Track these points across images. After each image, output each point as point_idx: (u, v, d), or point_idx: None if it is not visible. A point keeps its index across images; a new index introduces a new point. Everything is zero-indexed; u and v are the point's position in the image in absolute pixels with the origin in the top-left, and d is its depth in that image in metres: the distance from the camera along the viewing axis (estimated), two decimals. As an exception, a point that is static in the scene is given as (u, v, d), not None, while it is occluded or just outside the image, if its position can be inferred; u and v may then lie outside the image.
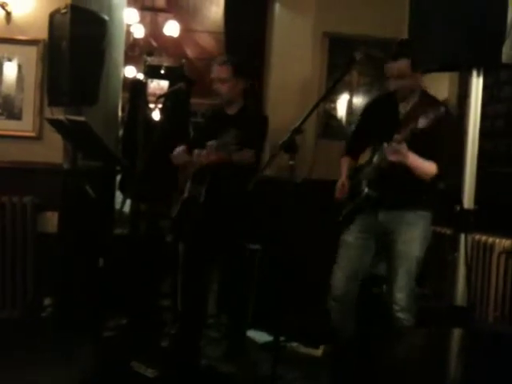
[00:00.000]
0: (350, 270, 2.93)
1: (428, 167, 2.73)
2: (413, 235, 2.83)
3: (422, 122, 2.48)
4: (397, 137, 2.61)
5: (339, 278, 2.94)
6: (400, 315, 2.78)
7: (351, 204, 2.92)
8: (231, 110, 3.31)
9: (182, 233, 3.34)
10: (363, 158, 3.07)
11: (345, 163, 3.11)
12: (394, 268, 2.83)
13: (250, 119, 3.22)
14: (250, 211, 3.37)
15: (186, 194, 3.20)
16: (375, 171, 2.81)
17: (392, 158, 2.62)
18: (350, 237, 2.95)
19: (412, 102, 2.87)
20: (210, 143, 2.98)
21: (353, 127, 3.26)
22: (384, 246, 2.91)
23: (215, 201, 3.15)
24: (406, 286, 2.80)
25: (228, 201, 3.17)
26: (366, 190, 2.82)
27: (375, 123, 2.98)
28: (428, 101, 2.87)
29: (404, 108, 2.88)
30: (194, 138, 3.47)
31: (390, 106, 2.94)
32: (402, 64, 2.73)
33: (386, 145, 2.63)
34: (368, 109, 3.19)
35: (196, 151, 3.17)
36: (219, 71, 3.22)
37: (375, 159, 2.81)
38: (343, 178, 3.01)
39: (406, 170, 2.72)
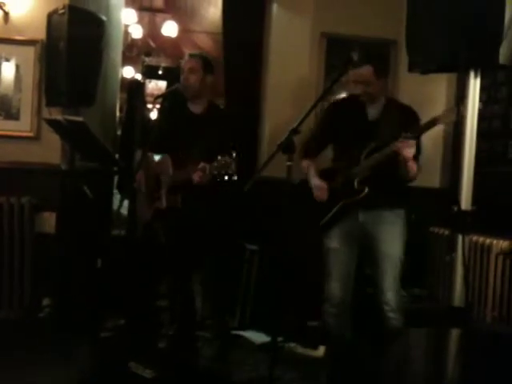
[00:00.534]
0: (343, 277, 2.93)
1: (415, 168, 2.78)
2: (394, 234, 2.86)
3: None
4: (408, 134, 2.63)
5: (334, 286, 2.94)
6: (391, 315, 2.80)
7: (340, 204, 2.89)
8: (197, 108, 3.32)
9: (167, 240, 3.35)
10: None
11: (310, 165, 3.05)
12: (380, 268, 2.85)
13: (219, 120, 3.25)
14: (230, 212, 3.40)
15: (164, 204, 3.21)
16: (369, 170, 2.81)
17: (406, 153, 2.63)
18: (334, 243, 2.94)
19: (380, 106, 2.90)
20: (203, 166, 2.91)
21: (313, 128, 3.23)
22: (366, 245, 2.92)
23: (193, 205, 3.15)
24: (394, 285, 2.83)
25: (206, 204, 3.18)
26: (367, 189, 2.80)
27: (341, 125, 2.97)
28: (396, 104, 2.94)
29: (373, 111, 2.90)
30: (157, 138, 3.40)
31: (356, 108, 2.94)
32: (366, 71, 2.78)
33: (398, 142, 2.65)
34: (331, 110, 3.15)
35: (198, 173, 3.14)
36: (190, 62, 3.31)
37: (367, 159, 2.80)
38: (319, 180, 2.97)
39: (391, 170, 2.75)
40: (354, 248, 2.95)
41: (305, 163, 3.08)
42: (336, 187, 2.93)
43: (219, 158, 2.83)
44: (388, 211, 2.87)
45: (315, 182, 2.99)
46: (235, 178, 2.87)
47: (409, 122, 2.75)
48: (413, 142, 2.63)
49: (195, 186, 3.05)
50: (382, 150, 2.75)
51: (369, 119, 2.91)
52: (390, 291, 2.81)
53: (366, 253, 2.95)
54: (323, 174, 3.01)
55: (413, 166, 2.75)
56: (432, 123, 2.59)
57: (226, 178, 2.85)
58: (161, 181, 3.25)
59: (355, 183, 2.84)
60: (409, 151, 2.64)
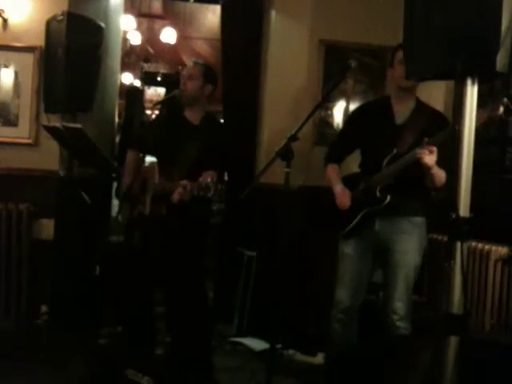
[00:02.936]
0: (354, 285, 2.89)
1: (443, 175, 2.70)
2: (410, 244, 2.82)
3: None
4: (428, 140, 2.55)
5: (345, 293, 2.89)
6: (399, 324, 2.76)
7: (361, 212, 2.84)
8: (193, 118, 3.28)
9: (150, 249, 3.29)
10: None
11: (334, 171, 3.03)
12: (393, 277, 2.81)
13: (214, 133, 3.22)
14: (209, 224, 3.36)
15: (147, 211, 3.17)
16: (391, 178, 2.76)
17: (427, 160, 2.55)
18: (349, 249, 2.90)
19: (410, 109, 2.86)
20: (184, 184, 2.85)
21: (339, 134, 3.22)
22: (381, 254, 2.88)
23: (177, 215, 3.08)
24: (405, 295, 2.79)
25: (189, 212, 3.11)
26: (389, 197, 2.75)
27: (367, 128, 2.92)
28: (426, 108, 2.88)
29: (401, 113, 2.86)
30: (144, 138, 3.34)
31: (383, 111, 2.91)
32: None
33: (418, 149, 2.56)
34: (358, 114, 3.13)
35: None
36: (190, 69, 3.31)
37: (388, 166, 2.76)
38: (341, 186, 2.93)
39: (415, 177, 2.71)
40: (368, 256, 2.90)
41: (329, 168, 3.04)
42: (357, 195, 2.87)
43: (201, 179, 2.78)
44: (405, 220, 2.82)
45: (338, 188, 2.93)
46: (209, 195, 2.81)
47: (435, 128, 2.65)
48: (433, 149, 2.54)
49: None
50: (403, 158, 2.69)
51: (396, 123, 2.87)
52: (400, 301, 2.77)
53: (379, 261, 2.92)
54: (346, 181, 2.96)
55: (438, 174, 2.66)
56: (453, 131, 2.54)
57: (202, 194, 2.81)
58: (147, 186, 3.22)
59: (377, 191, 2.78)
60: (430, 158, 2.55)
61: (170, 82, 4.96)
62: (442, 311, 2.15)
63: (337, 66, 4.05)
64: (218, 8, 4.59)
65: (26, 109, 3.93)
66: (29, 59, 3.91)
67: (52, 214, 3.84)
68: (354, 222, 2.85)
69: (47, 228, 3.87)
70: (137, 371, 3.01)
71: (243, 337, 3.90)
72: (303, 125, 2.52)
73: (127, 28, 7.67)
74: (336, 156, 3.09)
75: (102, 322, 3.67)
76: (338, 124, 4.22)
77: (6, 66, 3.93)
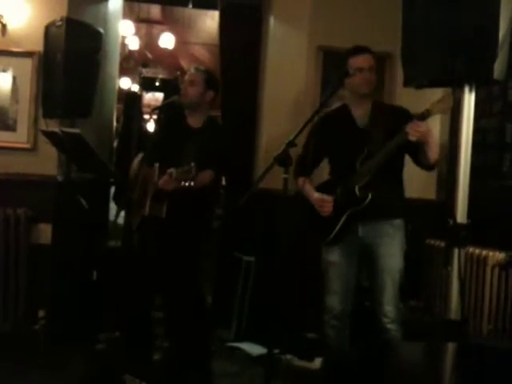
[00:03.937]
0: (344, 290, 2.91)
1: (437, 148, 2.71)
2: (393, 247, 2.85)
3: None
4: (416, 121, 2.56)
5: (336, 299, 2.92)
6: (390, 326, 2.80)
7: (346, 215, 2.86)
8: (194, 122, 3.30)
9: (147, 250, 3.29)
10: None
11: (307, 182, 3.03)
12: (380, 281, 2.84)
13: (214, 136, 3.23)
14: (210, 225, 3.37)
15: (147, 211, 3.16)
16: (369, 175, 2.77)
17: (414, 137, 2.55)
18: (335, 256, 2.92)
19: (368, 110, 2.89)
20: (170, 171, 2.92)
21: (304, 146, 3.23)
22: (366, 258, 2.91)
23: (176, 216, 3.09)
24: (393, 298, 2.82)
25: (189, 216, 3.13)
26: (370, 195, 2.76)
27: (332, 138, 2.96)
28: (384, 106, 2.94)
29: (361, 117, 2.90)
30: (153, 150, 3.32)
31: (344, 118, 2.95)
32: (368, 56, 2.83)
33: (409, 124, 2.56)
34: (320, 125, 3.08)
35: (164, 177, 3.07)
36: (191, 75, 3.32)
37: (363, 165, 2.78)
38: (318, 194, 2.94)
39: (391, 173, 2.72)
40: (353, 261, 2.93)
41: (300, 181, 3.05)
42: (337, 199, 2.89)
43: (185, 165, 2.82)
44: (387, 224, 2.85)
45: (315, 196, 2.95)
46: (192, 184, 2.86)
47: (398, 122, 2.68)
48: (423, 124, 2.53)
49: (179, 196, 3.02)
50: (390, 142, 2.68)
51: (358, 126, 2.91)
52: (389, 304, 2.80)
53: (365, 266, 2.94)
54: (320, 189, 2.98)
55: (434, 145, 2.66)
56: (426, 115, 2.54)
57: (186, 184, 2.86)
58: (147, 188, 3.23)
59: (356, 191, 2.79)
60: (422, 129, 2.54)
61: (168, 87, 4.96)
62: (440, 317, 2.15)
63: (335, 71, 4.06)
64: (216, 13, 4.60)
65: (24, 114, 3.94)
66: (27, 64, 3.91)
67: (50, 218, 3.84)
68: (339, 226, 2.87)
69: (45, 233, 3.87)
70: (134, 377, 3.01)
71: (241, 342, 3.90)
72: (301, 131, 2.53)
73: (126, 33, 7.68)
74: (304, 171, 3.07)
75: (100, 327, 3.66)
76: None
77: (5, 71, 3.93)
